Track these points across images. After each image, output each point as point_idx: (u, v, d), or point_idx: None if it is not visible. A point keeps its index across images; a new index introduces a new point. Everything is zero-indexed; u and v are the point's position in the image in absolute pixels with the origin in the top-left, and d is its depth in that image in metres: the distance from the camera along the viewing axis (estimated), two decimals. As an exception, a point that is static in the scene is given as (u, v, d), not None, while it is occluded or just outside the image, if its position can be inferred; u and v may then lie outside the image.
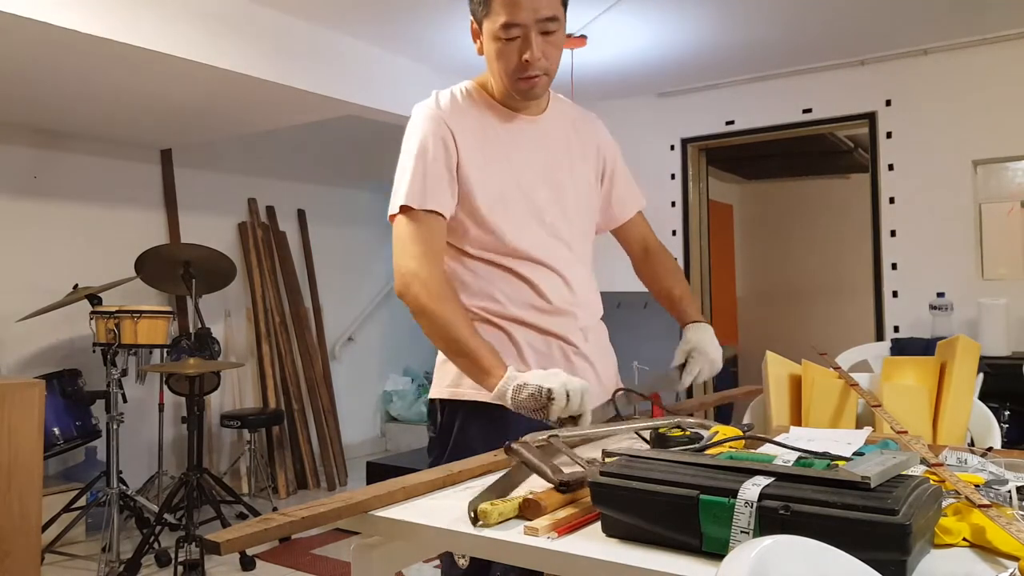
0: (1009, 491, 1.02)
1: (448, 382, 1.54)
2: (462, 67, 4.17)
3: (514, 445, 1.10)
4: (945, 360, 1.58)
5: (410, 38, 3.78)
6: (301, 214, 5.48)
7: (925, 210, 4.03)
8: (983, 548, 0.90)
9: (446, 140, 1.49)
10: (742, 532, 0.84)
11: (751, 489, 0.86)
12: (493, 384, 1.34)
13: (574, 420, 1.30)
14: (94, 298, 3.64)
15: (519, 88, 1.50)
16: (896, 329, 4.08)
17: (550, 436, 1.16)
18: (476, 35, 1.53)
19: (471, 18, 1.52)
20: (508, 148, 1.56)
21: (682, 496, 0.89)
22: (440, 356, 1.56)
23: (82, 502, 3.62)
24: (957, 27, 3.75)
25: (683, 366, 1.63)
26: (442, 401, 1.55)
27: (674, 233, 4.76)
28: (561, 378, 1.29)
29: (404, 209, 1.46)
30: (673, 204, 4.77)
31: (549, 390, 1.27)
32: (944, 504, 0.96)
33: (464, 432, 1.50)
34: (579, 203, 1.65)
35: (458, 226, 1.53)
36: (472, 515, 0.98)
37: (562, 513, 1.02)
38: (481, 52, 1.53)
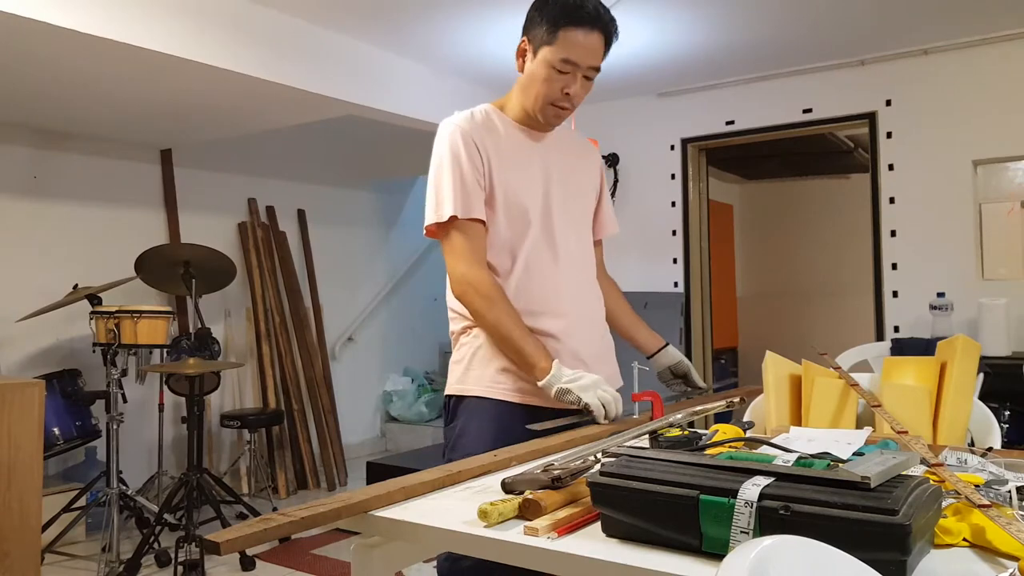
0: (1009, 491, 1.02)
1: (455, 379, 1.69)
2: (462, 67, 4.17)
3: (508, 480, 1.10)
4: (945, 360, 1.58)
5: (410, 38, 3.78)
6: (301, 214, 5.48)
7: (925, 210, 4.03)
8: (983, 548, 0.90)
9: (473, 154, 1.63)
10: (742, 532, 0.84)
11: (751, 489, 0.86)
12: (538, 377, 1.55)
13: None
14: (94, 298, 3.64)
15: (548, 114, 1.67)
16: (896, 329, 4.08)
17: (545, 466, 1.16)
18: (523, 54, 1.67)
19: (523, 37, 1.66)
20: (525, 160, 1.71)
21: (682, 496, 0.89)
22: (452, 356, 1.73)
23: (82, 502, 3.62)
24: (957, 27, 3.75)
25: (685, 378, 1.91)
26: (451, 396, 1.69)
27: (674, 233, 4.76)
28: (598, 392, 1.53)
29: (451, 219, 1.61)
30: (673, 204, 4.76)
31: (587, 404, 1.52)
32: (944, 504, 0.96)
33: (467, 424, 1.63)
34: (585, 210, 1.84)
35: None
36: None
37: (562, 513, 1.02)
38: (522, 70, 1.68)
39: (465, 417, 1.65)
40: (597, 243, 1.96)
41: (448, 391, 1.71)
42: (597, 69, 1.65)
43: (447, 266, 1.65)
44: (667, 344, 1.95)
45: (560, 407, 1.60)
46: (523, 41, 1.66)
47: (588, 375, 1.55)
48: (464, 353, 1.69)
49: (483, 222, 1.64)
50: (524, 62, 1.67)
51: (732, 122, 4.57)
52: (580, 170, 1.84)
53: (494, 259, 1.67)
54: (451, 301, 1.72)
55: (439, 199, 1.63)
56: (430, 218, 1.64)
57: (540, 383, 1.54)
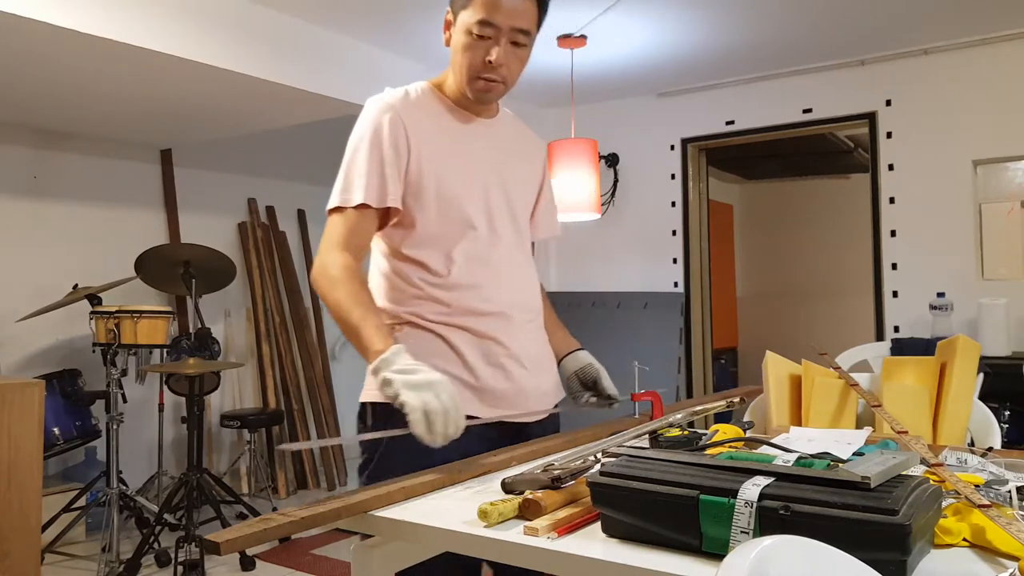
0: (1009, 491, 1.02)
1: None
2: (462, 67, 4.17)
3: (508, 480, 1.10)
4: (945, 360, 1.58)
5: (410, 38, 3.78)
6: (301, 214, 5.48)
7: (925, 210, 4.03)
8: (983, 548, 0.90)
9: (397, 135, 1.47)
10: (742, 532, 0.84)
11: (751, 489, 0.86)
12: (370, 361, 1.29)
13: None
14: (94, 298, 3.64)
15: (475, 87, 1.50)
16: (896, 329, 4.08)
17: (545, 466, 1.16)
18: (448, 26, 1.52)
19: (448, 7, 1.52)
20: (462, 145, 1.55)
21: (682, 496, 0.89)
22: None
23: (82, 502, 3.62)
24: (957, 27, 3.75)
25: (594, 386, 1.66)
26: (371, 404, 1.49)
27: (674, 233, 4.76)
28: (425, 395, 1.19)
29: (339, 206, 1.47)
30: (673, 204, 4.76)
31: (403, 404, 1.20)
32: (944, 504, 0.96)
33: (392, 439, 1.37)
34: (525, 205, 1.67)
35: (404, 224, 1.50)
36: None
37: (562, 513, 1.02)
38: (448, 43, 1.52)
39: (389, 429, 1.38)
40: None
41: (367, 398, 1.49)
42: (526, 33, 1.46)
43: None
44: (579, 348, 1.72)
45: (500, 419, 1.48)
46: (447, 12, 1.52)
47: (430, 373, 1.23)
48: None
49: (372, 207, 1.47)
50: (450, 35, 1.51)
51: (732, 122, 4.57)
52: (523, 161, 1.67)
53: (427, 258, 1.49)
54: (375, 293, 1.55)
55: (348, 181, 1.48)
56: (334, 200, 1.48)
57: (370, 367, 1.28)
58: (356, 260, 1.44)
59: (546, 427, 1.61)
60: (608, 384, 1.65)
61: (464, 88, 1.51)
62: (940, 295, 3.84)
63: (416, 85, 1.58)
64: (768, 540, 0.67)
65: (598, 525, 0.98)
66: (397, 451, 1.39)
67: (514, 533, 0.97)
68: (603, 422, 1.68)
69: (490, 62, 1.45)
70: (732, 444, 1.24)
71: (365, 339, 1.31)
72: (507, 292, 1.54)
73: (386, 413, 1.39)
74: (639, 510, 0.92)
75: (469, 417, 1.29)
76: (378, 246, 1.56)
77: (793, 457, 0.96)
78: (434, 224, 1.50)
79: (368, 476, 1.45)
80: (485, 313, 1.50)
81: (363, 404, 1.51)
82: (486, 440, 1.45)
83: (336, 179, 1.50)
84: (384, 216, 1.51)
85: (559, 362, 1.70)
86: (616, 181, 4.89)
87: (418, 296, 1.50)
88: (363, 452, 1.49)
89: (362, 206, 1.45)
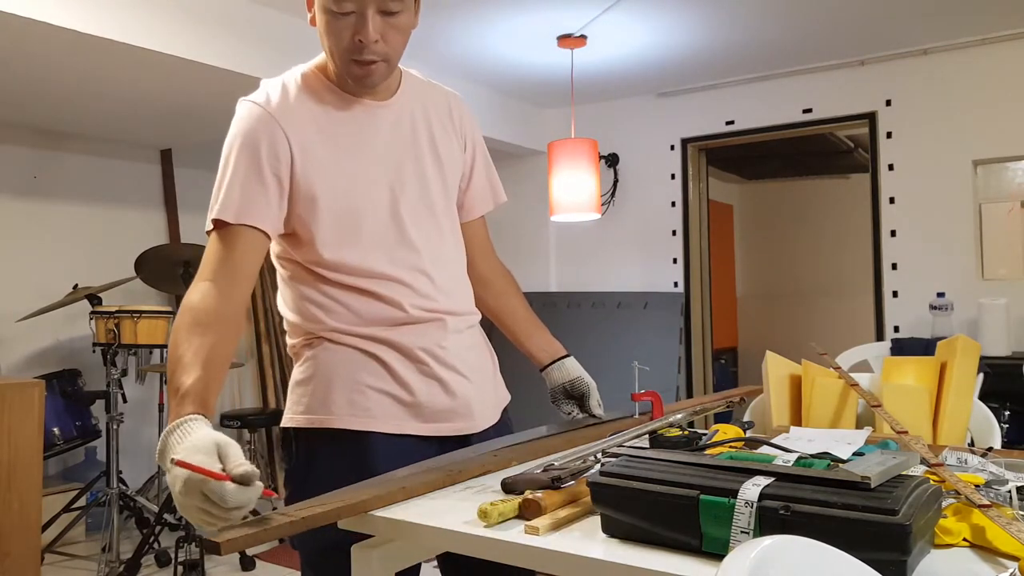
0: (1009, 491, 1.02)
1: (304, 405, 1.34)
2: (462, 67, 4.17)
3: (508, 480, 1.10)
4: (945, 360, 1.58)
5: (410, 38, 3.77)
6: (301, 214, 5.48)
7: (925, 210, 4.03)
8: (983, 548, 0.90)
9: (275, 143, 1.28)
10: (742, 532, 0.84)
11: (751, 489, 0.86)
12: (168, 422, 1.05)
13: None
14: (94, 298, 3.65)
15: (352, 72, 1.28)
16: (896, 329, 4.08)
17: (545, 466, 1.16)
18: (310, 3, 1.30)
19: None
20: (356, 140, 1.34)
21: (682, 496, 0.89)
22: (294, 375, 1.38)
23: (82, 502, 3.62)
24: (957, 27, 3.75)
25: (580, 400, 1.57)
26: (296, 429, 1.35)
27: (674, 233, 4.76)
28: (185, 479, 0.93)
29: (217, 224, 1.24)
30: (673, 204, 4.76)
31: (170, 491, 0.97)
32: (944, 504, 0.96)
33: (328, 466, 1.31)
34: (448, 191, 1.45)
35: (303, 238, 1.32)
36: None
37: (562, 513, 1.02)
38: (314, 23, 1.31)
39: (331, 459, 1.31)
40: (476, 222, 1.57)
41: (291, 423, 1.34)
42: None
43: None
44: (567, 355, 1.58)
45: (449, 435, 1.35)
46: None
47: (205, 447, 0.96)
48: (314, 369, 1.33)
49: (260, 231, 1.26)
50: (313, 14, 1.30)
51: (732, 122, 4.57)
52: (440, 136, 1.45)
53: (340, 294, 1.32)
54: (281, 308, 1.40)
55: (215, 196, 1.27)
56: (207, 224, 1.27)
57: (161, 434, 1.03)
58: (228, 289, 1.21)
59: (495, 435, 1.46)
60: (595, 403, 1.56)
61: (342, 74, 1.30)
62: (940, 295, 3.84)
63: (295, 73, 1.37)
64: (768, 540, 0.67)
65: (598, 525, 0.98)
66: (326, 477, 1.25)
67: (514, 533, 0.97)
68: (601, 423, 1.67)
69: (360, 42, 1.24)
70: (732, 444, 1.24)
71: (176, 395, 1.07)
72: (436, 296, 1.37)
73: (313, 437, 1.33)
74: (639, 510, 0.92)
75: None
76: (281, 254, 1.38)
77: (793, 457, 0.96)
78: (333, 239, 1.31)
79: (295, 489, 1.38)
80: (413, 321, 1.34)
81: (286, 430, 1.37)
82: (425, 458, 1.31)
83: (212, 196, 1.29)
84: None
85: (543, 369, 1.57)
86: (616, 181, 4.89)
87: (334, 314, 1.33)
88: (285, 466, 1.38)
89: (244, 227, 1.24)
